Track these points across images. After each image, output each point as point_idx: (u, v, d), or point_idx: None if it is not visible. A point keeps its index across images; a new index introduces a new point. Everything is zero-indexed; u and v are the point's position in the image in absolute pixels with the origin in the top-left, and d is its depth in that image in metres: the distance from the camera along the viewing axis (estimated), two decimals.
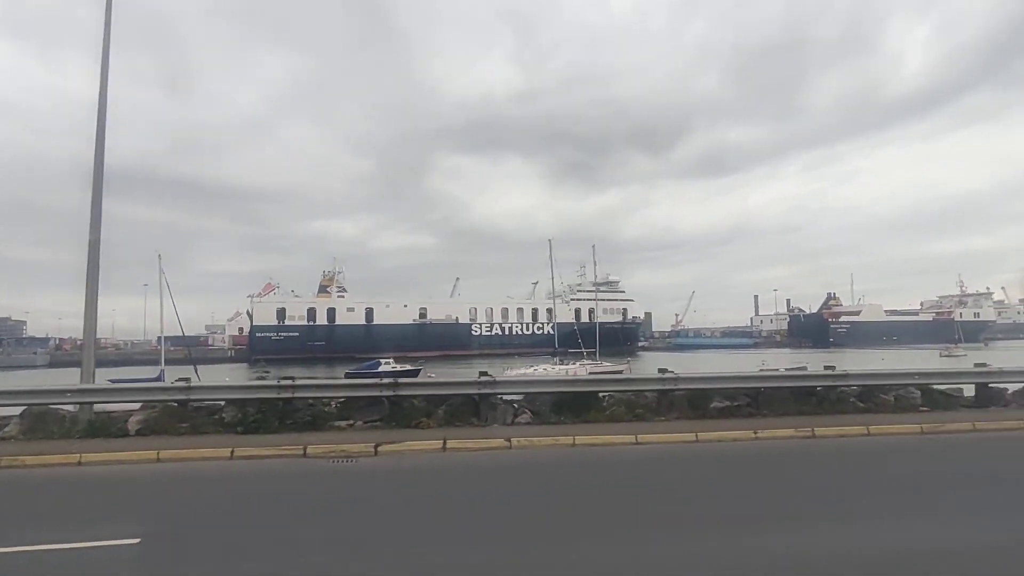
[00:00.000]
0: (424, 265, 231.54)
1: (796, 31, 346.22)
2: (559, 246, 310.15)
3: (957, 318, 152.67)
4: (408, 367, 56.80)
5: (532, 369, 51.58)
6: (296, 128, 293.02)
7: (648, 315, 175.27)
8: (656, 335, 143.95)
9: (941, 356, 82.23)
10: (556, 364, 57.15)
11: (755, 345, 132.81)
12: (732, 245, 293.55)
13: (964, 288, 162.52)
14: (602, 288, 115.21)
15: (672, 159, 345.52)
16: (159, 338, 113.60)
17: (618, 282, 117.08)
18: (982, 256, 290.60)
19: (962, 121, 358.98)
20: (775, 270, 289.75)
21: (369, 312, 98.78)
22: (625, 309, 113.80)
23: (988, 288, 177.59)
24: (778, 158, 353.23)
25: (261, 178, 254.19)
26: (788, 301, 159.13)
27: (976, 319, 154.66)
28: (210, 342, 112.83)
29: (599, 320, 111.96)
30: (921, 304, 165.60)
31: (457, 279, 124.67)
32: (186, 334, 61.09)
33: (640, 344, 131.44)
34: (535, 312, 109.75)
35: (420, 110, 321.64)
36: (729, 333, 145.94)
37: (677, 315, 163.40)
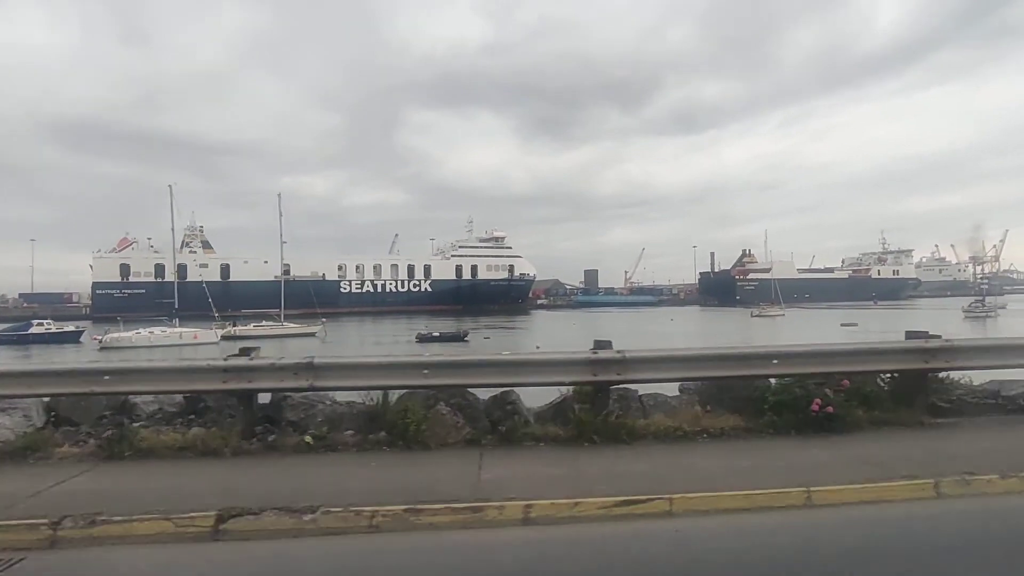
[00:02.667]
0: (396, 222, 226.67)
1: None
2: (534, 204, 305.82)
3: (875, 275, 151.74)
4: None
5: (139, 333, 48.97)
6: (261, 81, 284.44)
7: (595, 272, 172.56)
8: (560, 293, 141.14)
9: (966, 314, 74.56)
10: (172, 327, 53.65)
11: (659, 303, 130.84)
12: (707, 203, 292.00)
13: (886, 245, 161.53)
14: (487, 244, 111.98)
15: (645, 115, 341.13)
16: (20, 295, 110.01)
17: (504, 238, 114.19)
18: (957, 212, 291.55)
19: (937, 77, 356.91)
20: (751, 227, 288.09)
21: (225, 268, 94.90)
22: (512, 266, 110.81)
23: (939, 249, 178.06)
24: (752, 115, 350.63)
25: (227, 132, 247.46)
26: (712, 255, 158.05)
27: (895, 276, 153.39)
28: (75, 299, 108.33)
29: (484, 277, 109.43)
30: (843, 261, 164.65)
31: (396, 235, 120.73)
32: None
33: (540, 303, 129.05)
34: (411, 268, 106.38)
35: (387, 63, 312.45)
36: (638, 291, 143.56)
37: (627, 272, 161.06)
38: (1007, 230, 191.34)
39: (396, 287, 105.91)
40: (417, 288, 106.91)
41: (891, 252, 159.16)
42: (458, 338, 52.76)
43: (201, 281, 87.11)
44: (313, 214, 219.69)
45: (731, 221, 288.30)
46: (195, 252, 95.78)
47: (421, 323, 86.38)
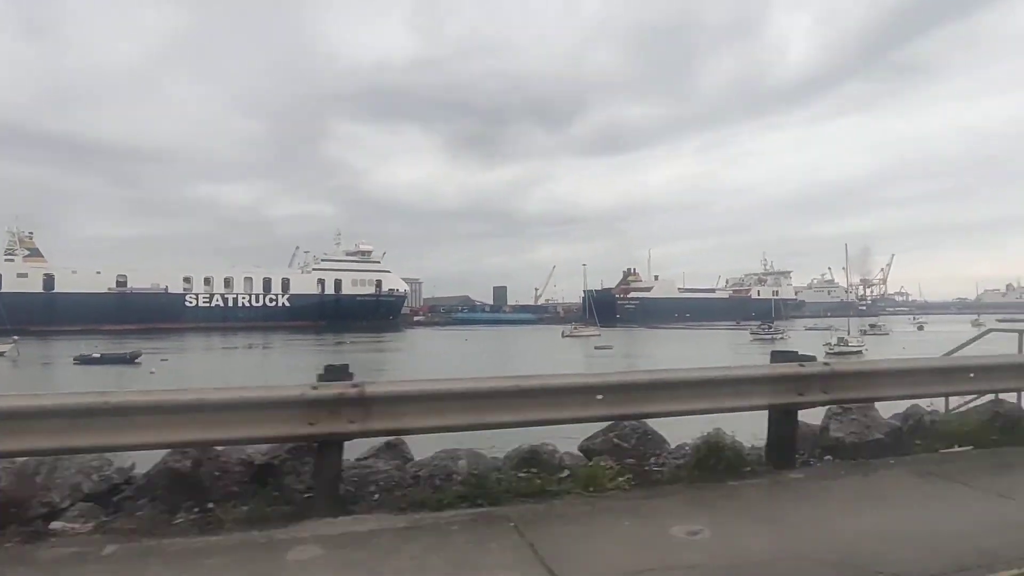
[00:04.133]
0: (323, 234, 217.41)
1: (689, 12, 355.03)
2: (463, 219, 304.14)
3: (755, 295, 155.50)
4: None
5: None
6: (179, 85, 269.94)
7: (503, 288, 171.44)
8: (441, 310, 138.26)
9: (753, 336, 75.83)
10: None
11: (538, 321, 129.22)
12: (631, 222, 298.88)
13: (768, 266, 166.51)
14: (353, 258, 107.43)
15: (571, 134, 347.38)
16: None
17: (371, 251, 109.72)
18: (861, 237, 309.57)
19: (840, 109, 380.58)
20: (675, 246, 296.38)
21: (49, 280, 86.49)
22: (380, 281, 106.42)
23: (830, 271, 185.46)
24: (674, 138, 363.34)
25: (142, 137, 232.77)
26: (585, 269, 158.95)
27: (775, 296, 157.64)
28: None
29: (350, 292, 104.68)
30: (726, 282, 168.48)
31: (297, 248, 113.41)
32: None
33: (417, 320, 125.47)
34: (267, 282, 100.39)
35: (313, 74, 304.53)
36: (520, 309, 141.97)
37: (536, 289, 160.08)
38: (893, 254, 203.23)
39: (250, 301, 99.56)
40: (274, 303, 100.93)
41: (771, 273, 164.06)
42: (125, 360, 46.75)
43: None
44: (234, 224, 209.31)
45: (653, 240, 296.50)
46: (12, 260, 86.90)
47: (278, 339, 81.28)
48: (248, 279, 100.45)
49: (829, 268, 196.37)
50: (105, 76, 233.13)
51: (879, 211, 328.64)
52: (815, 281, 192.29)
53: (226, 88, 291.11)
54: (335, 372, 4.72)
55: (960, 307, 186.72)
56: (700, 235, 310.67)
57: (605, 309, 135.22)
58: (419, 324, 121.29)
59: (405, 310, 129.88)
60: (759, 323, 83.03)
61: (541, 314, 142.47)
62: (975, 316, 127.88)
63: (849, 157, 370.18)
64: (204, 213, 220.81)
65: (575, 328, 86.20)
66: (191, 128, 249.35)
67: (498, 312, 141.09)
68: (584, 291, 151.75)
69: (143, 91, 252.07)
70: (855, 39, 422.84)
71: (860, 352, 48.04)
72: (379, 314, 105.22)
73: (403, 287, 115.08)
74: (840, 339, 56.00)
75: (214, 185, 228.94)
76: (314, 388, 4.51)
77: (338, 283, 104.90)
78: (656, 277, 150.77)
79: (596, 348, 61.85)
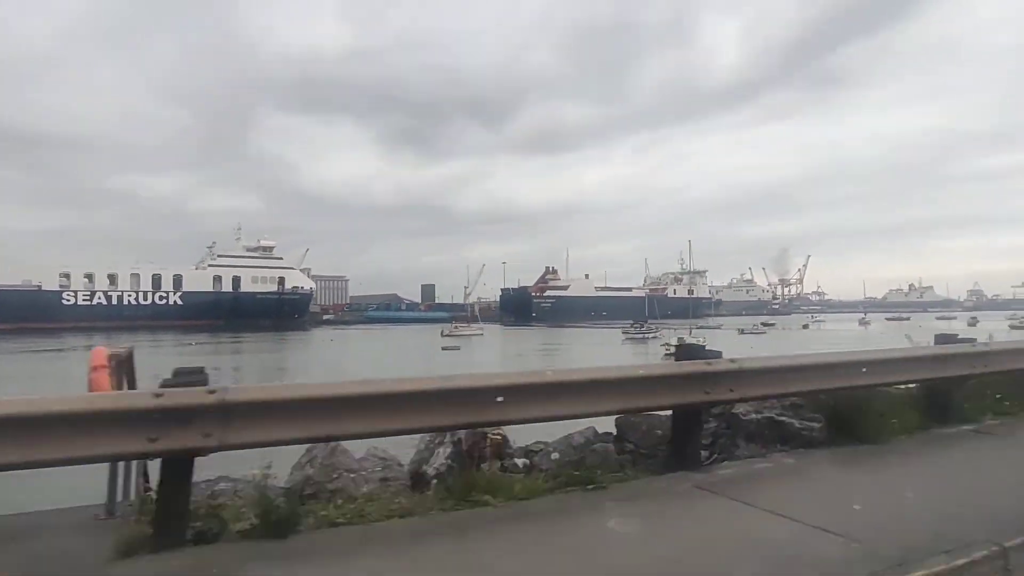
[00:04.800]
0: (250, 230, 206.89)
1: (626, 15, 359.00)
2: (399, 216, 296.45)
3: (671, 294, 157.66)
4: None
5: None
6: (97, 69, 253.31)
7: (431, 286, 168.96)
8: (354, 308, 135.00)
9: (625, 336, 74.14)
10: None
11: (452, 319, 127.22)
12: (569, 221, 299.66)
13: (684, 265, 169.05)
14: (254, 254, 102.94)
15: (508, 132, 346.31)
16: None
17: (273, 247, 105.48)
18: (787, 239, 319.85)
19: (768, 115, 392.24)
20: (611, 246, 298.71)
21: None
22: (283, 278, 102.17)
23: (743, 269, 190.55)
24: (609, 138, 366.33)
25: (55, 123, 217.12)
26: (505, 266, 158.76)
27: (690, 295, 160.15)
28: None
29: (250, 290, 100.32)
30: (645, 280, 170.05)
31: (214, 243, 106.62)
32: None
33: (326, 319, 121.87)
34: (157, 279, 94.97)
35: (240, 61, 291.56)
36: (437, 307, 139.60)
37: (466, 287, 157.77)
38: (808, 256, 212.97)
39: (138, 299, 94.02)
40: (164, 301, 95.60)
41: (687, 272, 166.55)
42: None
43: None
44: (157, 217, 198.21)
45: (590, 240, 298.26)
46: None
47: (168, 339, 76.68)
48: (135, 275, 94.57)
49: (750, 268, 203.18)
50: (10, 56, 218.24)
51: (801, 214, 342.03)
52: (735, 280, 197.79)
53: (148, 74, 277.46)
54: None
55: (867, 306, 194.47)
56: (634, 235, 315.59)
57: (521, 307, 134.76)
58: (329, 323, 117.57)
59: (315, 308, 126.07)
60: (631, 322, 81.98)
61: (458, 312, 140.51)
62: (862, 315, 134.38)
63: (774, 161, 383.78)
64: (123, 205, 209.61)
65: (455, 327, 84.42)
66: (110, 115, 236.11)
67: (413, 311, 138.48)
68: (502, 289, 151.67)
69: (56, 74, 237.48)
70: (780, 49, 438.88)
71: None
72: (283, 313, 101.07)
73: (309, 285, 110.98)
74: (680, 339, 54.60)
75: (135, 176, 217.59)
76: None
77: (236, 280, 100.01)
78: (587, 276, 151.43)
79: (443, 348, 59.35)
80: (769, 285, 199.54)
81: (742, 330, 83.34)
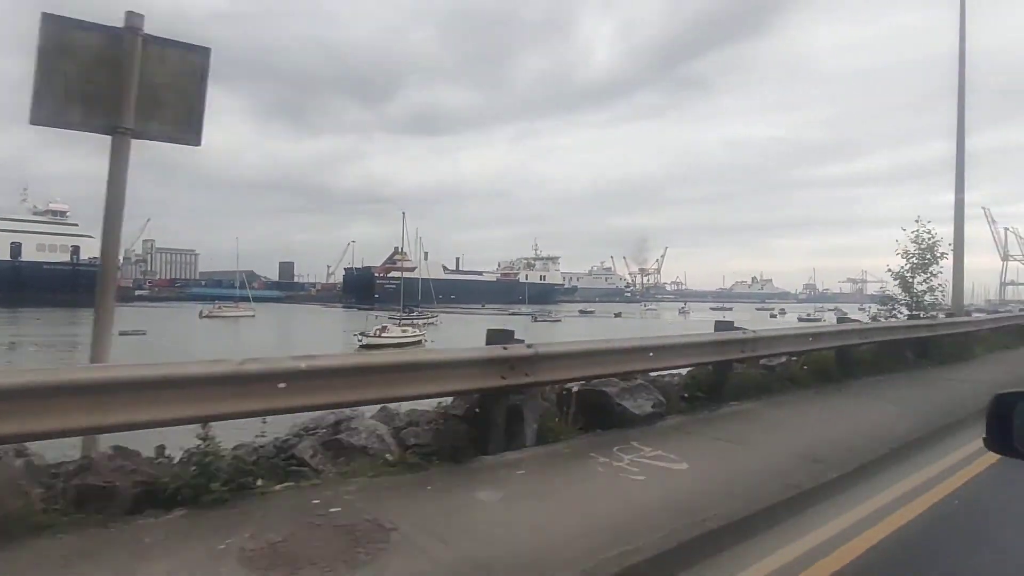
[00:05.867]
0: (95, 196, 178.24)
1: (507, 5, 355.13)
2: (271, 191, 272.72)
3: (523, 279, 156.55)
4: None
5: None
6: None
7: (290, 264, 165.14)
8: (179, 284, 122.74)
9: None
10: None
11: (286, 299, 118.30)
12: (448, 204, 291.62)
13: (538, 252, 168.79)
14: (41, 218, 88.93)
15: (387, 112, 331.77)
16: None
17: (66, 212, 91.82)
18: (650, 231, 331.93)
19: (635, 114, 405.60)
20: (488, 232, 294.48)
21: None
22: (77, 247, 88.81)
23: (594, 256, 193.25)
24: (488, 126, 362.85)
25: None
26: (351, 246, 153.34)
27: (542, 281, 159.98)
28: None
29: (34, 259, 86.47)
30: (499, 265, 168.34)
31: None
32: None
33: (138, 294, 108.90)
34: None
35: (95, 8, 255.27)
36: (272, 285, 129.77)
37: (329, 267, 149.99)
38: (666, 247, 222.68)
39: None
40: None
41: (540, 258, 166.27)
42: None
43: None
44: None
45: (466, 225, 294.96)
46: None
47: None
48: None
49: (611, 257, 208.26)
50: None
51: (663, 209, 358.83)
52: (594, 268, 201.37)
53: None
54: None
55: (716, 296, 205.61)
56: (508, 222, 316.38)
57: (363, 288, 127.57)
58: (141, 299, 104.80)
59: (127, 282, 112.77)
60: (402, 307, 77.17)
61: (296, 291, 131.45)
62: (683, 305, 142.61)
63: (640, 158, 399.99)
64: None
65: (217, 307, 77.23)
66: None
67: (243, 288, 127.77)
68: (345, 269, 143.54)
69: None
70: (648, 52, 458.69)
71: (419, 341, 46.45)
72: (80, 286, 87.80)
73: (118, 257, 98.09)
74: (381, 328, 49.73)
75: None
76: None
77: (16, 247, 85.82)
78: (426, 255, 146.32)
79: (121, 333, 49.57)
80: (630, 274, 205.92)
81: (535, 317, 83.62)
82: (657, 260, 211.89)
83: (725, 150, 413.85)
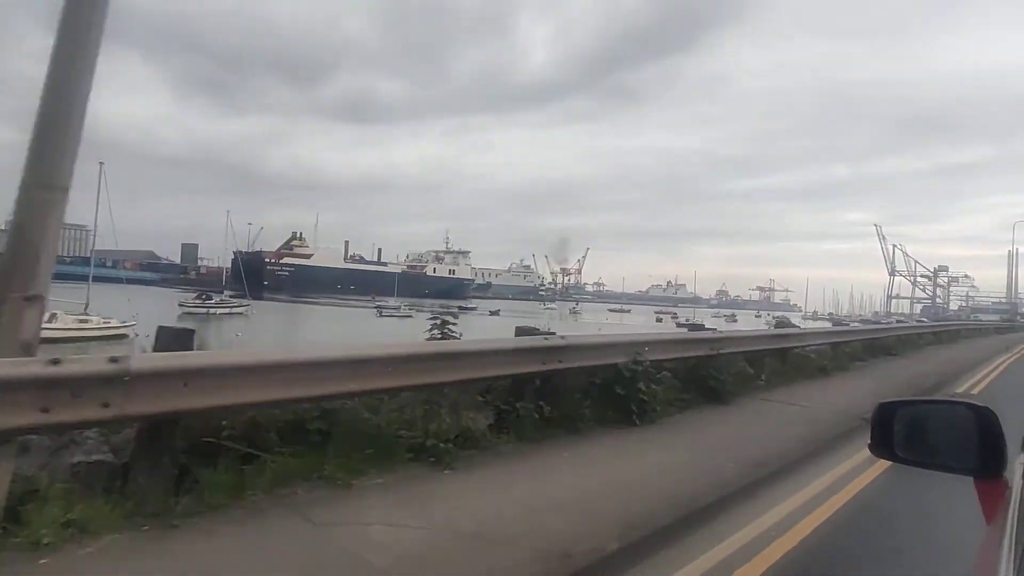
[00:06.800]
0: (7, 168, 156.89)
1: None
2: (189, 169, 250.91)
3: (431, 273, 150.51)
4: None
5: None
6: None
7: (194, 246, 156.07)
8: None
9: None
10: None
11: (163, 282, 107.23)
12: (378, 196, 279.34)
13: (450, 245, 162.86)
14: None
15: (317, 96, 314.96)
16: None
17: None
18: (575, 233, 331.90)
19: (568, 117, 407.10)
20: (418, 225, 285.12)
21: None
22: None
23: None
24: (422, 118, 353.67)
25: None
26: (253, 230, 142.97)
27: (451, 275, 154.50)
28: None
29: None
30: (408, 256, 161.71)
31: None
32: None
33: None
34: None
35: None
36: (149, 267, 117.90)
37: (235, 252, 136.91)
38: (588, 248, 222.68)
39: None
40: None
41: (450, 252, 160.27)
42: None
43: None
44: None
45: (396, 217, 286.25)
46: None
47: None
48: None
49: (532, 255, 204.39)
50: None
51: (590, 211, 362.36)
52: (514, 266, 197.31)
53: None
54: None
55: (632, 299, 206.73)
56: (438, 217, 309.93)
57: (253, 274, 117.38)
58: None
59: None
60: (197, 294, 69.01)
61: (178, 274, 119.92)
62: (574, 304, 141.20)
63: (570, 161, 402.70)
64: None
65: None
66: None
67: (115, 269, 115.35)
68: (234, 252, 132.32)
69: None
70: (583, 58, 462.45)
71: None
72: None
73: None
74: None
75: None
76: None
77: None
78: (322, 244, 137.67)
79: None
80: (551, 273, 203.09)
81: (380, 311, 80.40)
82: (579, 260, 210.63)
83: (650, 158, 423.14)
